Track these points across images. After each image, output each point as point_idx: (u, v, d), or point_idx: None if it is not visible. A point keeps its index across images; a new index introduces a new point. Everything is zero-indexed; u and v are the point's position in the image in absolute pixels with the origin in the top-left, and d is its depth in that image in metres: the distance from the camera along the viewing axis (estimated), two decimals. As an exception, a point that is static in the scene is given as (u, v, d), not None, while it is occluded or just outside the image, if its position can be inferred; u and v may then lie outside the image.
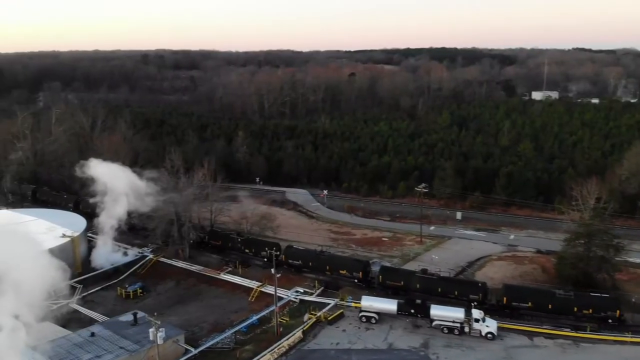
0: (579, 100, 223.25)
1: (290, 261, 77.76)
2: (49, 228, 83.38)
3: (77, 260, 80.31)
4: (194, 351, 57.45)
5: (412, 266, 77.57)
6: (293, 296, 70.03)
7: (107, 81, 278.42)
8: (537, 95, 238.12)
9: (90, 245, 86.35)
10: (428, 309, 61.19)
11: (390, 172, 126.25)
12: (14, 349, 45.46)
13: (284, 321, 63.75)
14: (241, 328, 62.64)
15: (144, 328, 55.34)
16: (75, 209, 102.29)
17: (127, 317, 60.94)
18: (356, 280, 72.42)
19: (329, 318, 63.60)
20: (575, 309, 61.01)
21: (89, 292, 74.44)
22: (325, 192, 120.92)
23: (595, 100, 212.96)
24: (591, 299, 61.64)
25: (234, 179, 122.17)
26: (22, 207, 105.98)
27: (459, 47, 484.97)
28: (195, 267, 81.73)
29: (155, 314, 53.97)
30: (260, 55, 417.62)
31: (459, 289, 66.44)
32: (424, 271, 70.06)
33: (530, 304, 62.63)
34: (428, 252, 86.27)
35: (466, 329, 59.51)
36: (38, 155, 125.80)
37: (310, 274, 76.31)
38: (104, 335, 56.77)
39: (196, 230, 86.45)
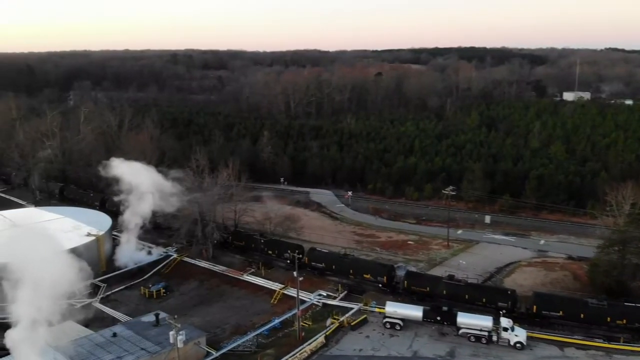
0: (612, 101, 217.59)
1: (313, 264, 76.89)
2: (74, 226, 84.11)
3: (101, 259, 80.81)
4: (215, 354, 57.03)
5: (438, 271, 76.01)
6: (316, 300, 69.14)
7: (136, 80, 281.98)
8: (568, 96, 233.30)
9: (115, 244, 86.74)
10: (455, 316, 59.77)
11: (416, 174, 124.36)
12: (34, 347, 45.51)
13: (306, 325, 62.95)
14: (263, 331, 62.10)
15: (165, 329, 54.99)
16: (102, 208, 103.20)
17: (149, 317, 60.84)
18: (380, 285, 71.19)
19: (352, 323, 62.53)
20: (609, 319, 58.91)
21: (113, 291, 74.70)
22: (350, 193, 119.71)
23: (629, 102, 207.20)
24: (625, 308, 59.50)
25: (258, 179, 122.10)
26: (49, 204, 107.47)
27: (488, 46, 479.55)
28: (218, 268, 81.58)
29: (175, 316, 53.44)
30: (287, 55, 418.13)
31: (487, 296, 64.69)
32: (451, 277, 68.43)
33: (561, 313, 60.77)
34: (455, 256, 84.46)
35: (494, 338, 57.90)
36: (66, 154, 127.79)
37: (333, 277, 75.34)
38: (125, 335, 56.70)
39: (220, 231, 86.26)
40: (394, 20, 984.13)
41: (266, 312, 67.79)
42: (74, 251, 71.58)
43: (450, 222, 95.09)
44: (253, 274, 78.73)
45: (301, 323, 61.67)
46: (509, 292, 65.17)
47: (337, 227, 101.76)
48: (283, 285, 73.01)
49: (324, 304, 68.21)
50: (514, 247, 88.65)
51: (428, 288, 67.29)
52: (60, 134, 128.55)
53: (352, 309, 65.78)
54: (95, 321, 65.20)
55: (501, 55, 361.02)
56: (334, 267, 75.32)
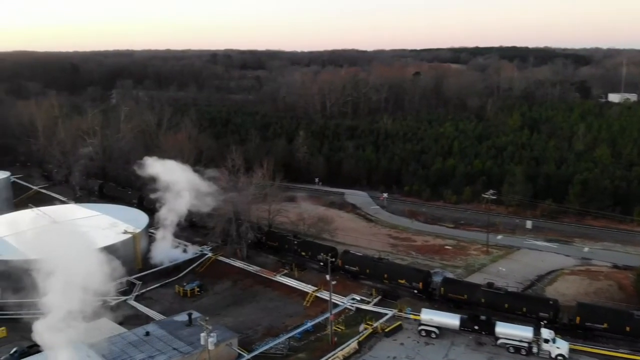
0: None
1: (346, 267, 75.92)
2: (112, 224, 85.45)
3: (137, 257, 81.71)
4: (247, 356, 56.80)
5: (476, 278, 73.98)
6: (349, 304, 68.24)
7: (176, 80, 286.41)
8: (614, 98, 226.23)
9: (151, 242, 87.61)
10: (493, 326, 58.08)
11: (455, 176, 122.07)
12: (67, 344, 45.91)
13: (339, 330, 62.13)
14: (295, 334, 61.51)
15: (198, 329, 54.92)
16: (139, 205, 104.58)
17: (182, 317, 60.96)
18: (416, 291, 69.69)
19: (387, 329, 61.32)
20: (657, 332, 55.92)
21: (148, 288, 75.37)
22: (385, 195, 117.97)
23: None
24: (674, 322, 56.34)
25: (293, 179, 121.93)
26: (88, 201, 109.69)
27: (530, 46, 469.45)
28: (252, 268, 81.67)
29: (207, 319, 53.26)
30: (324, 55, 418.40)
31: (528, 305, 62.63)
32: (490, 285, 66.41)
33: (605, 325, 58.22)
34: (494, 263, 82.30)
35: (534, 350, 55.89)
36: (106, 152, 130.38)
37: (367, 281, 74.20)
38: (158, 335, 56.90)
39: (254, 231, 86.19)
40: (433, 19, 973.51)
41: (299, 315, 67.34)
42: (111, 248, 72.92)
43: (490, 227, 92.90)
44: (286, 275, 78.52)
45: (334, 327, 60.85)
46: (550, 301, 62.96)
47: (372, 230, 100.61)
48: (316, 288, 72.46)
49: (358, 309, 67.33)
50: (556, 254, 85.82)
51: (466, 296, 65.59)
52: (100, 132, 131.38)
53: (386, 314, 64.72)
54: (131, 319, 65.89)
55: (544, 55, 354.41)
56: (368, 271, 74.19)
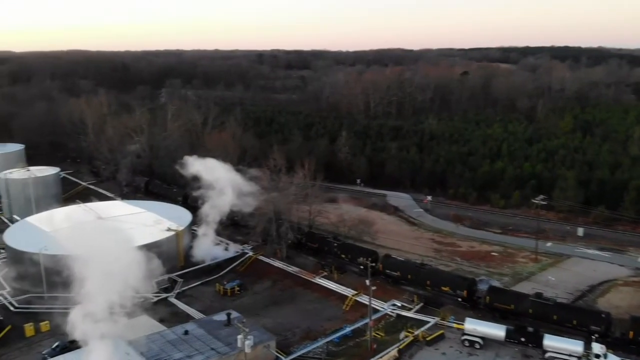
0: None
1: (387, 271, 74.61)
2: (156, 221, 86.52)
3: (180, 254, 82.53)
4: (284, 359, 56.50)
5: (524, 287, 71.53)
6: (389, 310, 67.05)
7: (223, 79, 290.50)
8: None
9: (194, 239, 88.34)
10: (541, 338, 55.99)
11: (503, 180, 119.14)
12: (106, 340, 46.30)
13: (379, 336, 61.07)
14: (334, 339, 60.82)
15: (236, 330, 54.47)
16: (184, 203, 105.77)
17: (221, 316, 60.94)
18: (460, 299, 67.91)
19: (428, 338, 59.87)
20: None
21: (189, 286, 75.94)
22: (429, 197, 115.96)
23: None
24: None
25: (334, 179, 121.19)
26: (134, 198, 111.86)
27: (583, 45, 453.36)
28: (291, 269, 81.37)
29: (244, 320, 52.93)
30: (369, 55, 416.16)
31: (578, 318, 60.11)
32: (539, 295, 64.06)
33: (662, 341, 54.95)
34: (543, 272, 79.70)
35: (585, 365, 53.08)
36: (153, 149, 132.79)
37: (408, 287, 72.73)
38: (197, 334, 57.01)
39: (294, 231, 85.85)
40: (482, 18, 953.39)
41: (337, 319, 66.48)
42: (154, 245, 73.79)
43: (539, 234, 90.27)
44: (325, 277, 77.83)
45: (373, 333, 59.73)
46: (602, 314, 60.34)
47: (415, 234, 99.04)
48: (355, 292, 71.49)
49: (398, 315, 66.15)
50: (609, 264, 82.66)
51: (512, 305, 63.47)
52: (148, 130, 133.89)
53: (428, 322, 63.39)
54: (171, 316, 66.47)
55: (597, 55, 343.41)
56: (409, 276, 72.67)
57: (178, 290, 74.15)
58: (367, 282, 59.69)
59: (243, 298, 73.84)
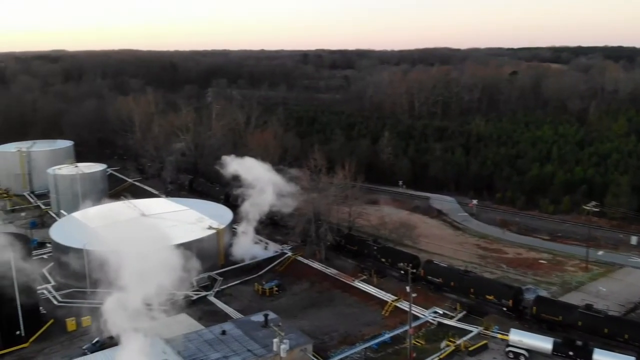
0: None
1: (429, 277, 72.81)
2: (198, 219, 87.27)
3: (220, 253, 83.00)
4: (321, 363, 55.36)
5: (573, 298, 68.80)
6: (430, 317, 65.41)
7: (268, 79, 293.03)
8: None
9: (234, 238, 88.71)
10: (591, 352, 53.71)
11: (553, 184, 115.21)
12: (143, 338, 46.49)
13: (419, 344, 59.58)
14: (372, 345, 59.66)
15: (273, 332, 53.95)
16: (226, 201, 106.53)
17: (259, 317, 60.54)
18: (505, 309, 65.67)
19: (470, 348, 58.21)
20: None
21: (228, 285, 76.17)
22: (475, 201, 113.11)
23: None
24: None
25: (376, 180, 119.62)
26: (179, 196, 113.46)
27: (637, 45, 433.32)
28: (330, 271, 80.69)
29: (280, 324, 52.32)
30: (414, 54, 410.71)
31: (631, 332, 57.34)
32: (588, 306, 61.14)
33: None
34: (594, 282, 76.51)
35: (637, 383, 50.15)
36: (198, 148, 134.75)
37: (451, 295, 70.79)
38: (234, 334, 56.73)
39: (333, 233, 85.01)
40: (532, 17, 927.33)
41: (376, 324, 65.33)
42: (195, 243, 74.36)
43: (590, 241, 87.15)
44: (365, 281, 76.79)
45: (413, 341, 58.16)
46: (657, 329, 57.04)
47: (459, 239, 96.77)
48: (396, 297, 70.17)
49: (440, 323, 64.51)
50: (665, 276, 78.28)
51: (561, 317, 60.98)
52: (193, 129, 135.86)
53: (470, 332, 61.53)
54: (209, 315, 66.65)
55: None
56: (452, 283, 70.66)
57: (217, 289, 74.48)
58: (408, 288, 58.20)
59: (281, 299, 73.54)
